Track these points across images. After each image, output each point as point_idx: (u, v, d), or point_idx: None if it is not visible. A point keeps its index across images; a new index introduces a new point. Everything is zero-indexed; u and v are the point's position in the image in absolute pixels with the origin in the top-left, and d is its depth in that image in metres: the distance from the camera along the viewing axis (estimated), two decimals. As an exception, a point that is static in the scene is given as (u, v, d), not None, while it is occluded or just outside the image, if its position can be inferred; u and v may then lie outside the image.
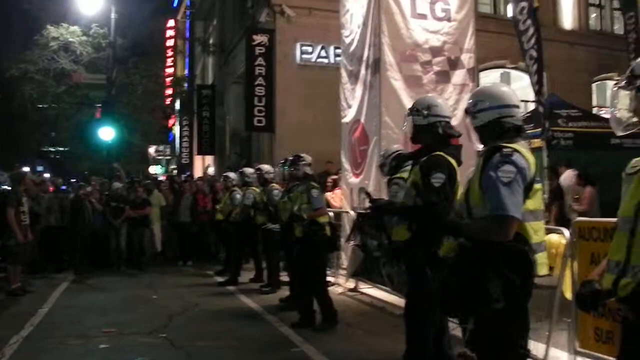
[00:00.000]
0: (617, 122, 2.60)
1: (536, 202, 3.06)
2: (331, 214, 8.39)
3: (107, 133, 22.02)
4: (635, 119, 2.49)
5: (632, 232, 2.32)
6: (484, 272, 2.87)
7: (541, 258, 3.04)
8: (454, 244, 3.10)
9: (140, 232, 13.49)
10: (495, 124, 3.20)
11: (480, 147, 3.36)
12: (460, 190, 3.31)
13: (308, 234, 7.06)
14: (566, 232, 5.07)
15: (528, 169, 3.00)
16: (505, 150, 3.00)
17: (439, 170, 4.13)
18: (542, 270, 3.05)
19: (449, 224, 3.04)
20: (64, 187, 15.81)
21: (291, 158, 7.77)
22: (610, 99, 2.66)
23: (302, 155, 7.52)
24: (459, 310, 3.07)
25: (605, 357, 4.64)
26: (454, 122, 4.72)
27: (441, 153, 4.27)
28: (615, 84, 2.60)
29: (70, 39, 27.07)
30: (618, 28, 21.06)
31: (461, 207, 3.13)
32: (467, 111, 3.33)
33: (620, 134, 2.63)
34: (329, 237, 7.18)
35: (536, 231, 3.04)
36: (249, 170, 10.98)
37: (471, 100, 3.34)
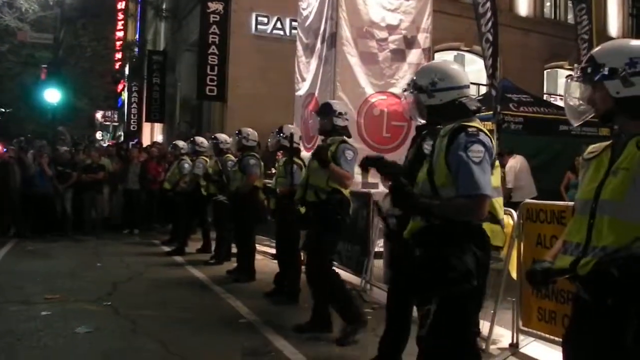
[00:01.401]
0: (573, 112, 2.64)
1: (497, 179, 3.12)
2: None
3: (52, 95, 21.41)
4: (589, 108, 2.54)
5: (592, 215, 2.37)
6: (460, 250, 2.92)
7: (501, 232, 3.14)
8: (420, 223, 3.10)
9: (91, 197, 13.20)
10: (452, 104, 3.22)
11: (421, 122, 3.44)
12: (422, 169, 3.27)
13: (280, 207, 6.96)
14: (514, 214, 5.17)
15: (492, 147, 3.06)
16: (470, 130, 3.03)
17: (432, 138, 4.02)
18: (499, 240, 3.13)
19: (421, 204, 3.02)
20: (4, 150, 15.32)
21: (276, 129, 7.51)
22: (565, 89, 2.68)
23: (285, 126, 7.37)
24: (428, 290, 3.05)
25: (547, 335, 4.77)
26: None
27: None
28: (568, 75, 2.63)
29: (16, -5, 26.05)
30: (571, 18, 21.48)
31: (424, 186, 3.12)
32: (419, 88, 3.28)
33: (576, 124, 2.68)
34: (304, 213, 6.55)
35: (500, 206, 3.13)
36: (200, 139, 10.83)
37: (426, 78, 3.28)
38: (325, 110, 5.78)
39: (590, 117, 2.59)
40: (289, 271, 7.08)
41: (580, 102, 2.58)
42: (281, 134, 7.25)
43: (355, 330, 5.41)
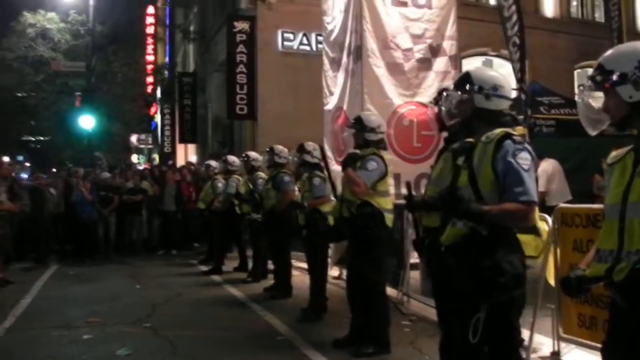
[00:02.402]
0: (589, 121, 2.61)
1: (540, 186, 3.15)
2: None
3: (87, 121, 21.86)
4: (605, 116, 2.51)
5: (622, 219, 2.34)
6: (509, 255, 2.94)
7: (534, 241, 3.17)
8: (462, 230, 3.08)
9: (131, 220, 13.44)
10: (501, 113, 3.26)
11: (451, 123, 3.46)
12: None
13: (310, 222, 6.98)
14: (549, 219, 5.10)
15: (534, 156, 3.10)
16: (516, 138, 3.06)
17: None
18: (531, 250, 3.16)
19: (473, 209, 2.98)
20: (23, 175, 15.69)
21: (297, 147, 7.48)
22: (578, 99, 2.66)
23: (306, 143, 7.34)
24: (480, 297, 3.00)
25: (589, 342, 4.68)
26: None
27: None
28: (580, 85, 2.60)
29: (48, 26, 26.79)
30: (599, 16, 21.20)
31: (465, 192, 3.07)
32: (479, 89, 3.26)
33: (594, 133, 2.64)
34: (332, 226, 6.60)
35: (537, 215, 3.16)
36: (232, 158, 10.93)
37: (489, 81, 3.29)
38: (358, 125, 5.76)
39: (607, 125, 2.55)
40: (314, 285, 7.07)
41: (595, 110, 2.55)
42: (303, 151, 7.24)
43: (376, 353, 5.34)
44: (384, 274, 5.82)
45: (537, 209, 3.12)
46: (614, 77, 2.36)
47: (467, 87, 3.29)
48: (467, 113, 3.31)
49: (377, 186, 5.51)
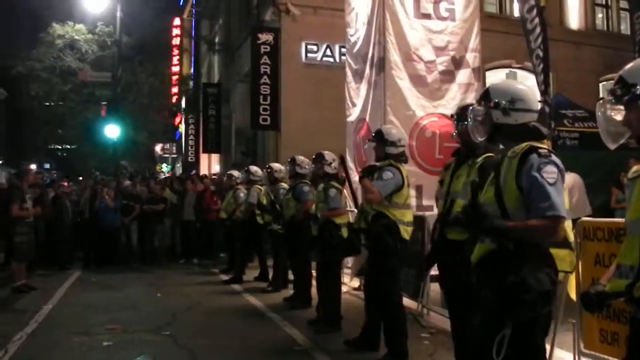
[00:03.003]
0: (609, 134, 2.57)
1: (567, 200, 3.04)
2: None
3: (112, 131, 22.10)
4: (625, 130, 2.46)
5: None
6: (536, 271, 2.85)
7: (569, 255, 3.06)
8: (489, 246, 3.04)
9: (152, 229, 13.56)
10: (526, 126, 3.17)
11: (479, 139, 3.36)
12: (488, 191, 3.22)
13: (323, 233, 6.96)
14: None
15: (563, 169, 3.01)
16: (541, 151, 2.98)
17: None
18: (566, 265, 3.06)
19: (497, 225, 2.96)
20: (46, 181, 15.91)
21: (314, 156, 7.49)
22: (597, 112, 2.60)
23: (325, 153, 7.31)
24: (506, 315, 2.93)
25: (610, 358, 4.61)
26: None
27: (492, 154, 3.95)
28: (601, 98, 2.56)
29: (76, 37, 27.22)
30: (624, 28, 20.97)
31: (491, 208, 3.05)
32: (496, 105, 3.20)
33: (613, 147, 2.59)
34: (346, 238, 6.67)
35: (570, 229, 3.10)
36: (254, 169, 10.98)
37: (505, 95, 3.22)
38: (378, 139, 5.81)
39: (627, 139, 2.51)
40: (326, 297, 7.04)
41: (615, 124, 2.51)
42: (324, 161, 7.21)
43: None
44: (398, 285, 5.84)
45: (569, 223, 3.06)
46: (636, 91, 2.33)
47: (486, 102, 3.24)
48: (487, 129, 3.26)
49: (393, 197, 5.54)
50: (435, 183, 8.66)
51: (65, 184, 14.06)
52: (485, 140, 3.36)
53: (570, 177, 10.58)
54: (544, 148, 3.03)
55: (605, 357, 4.69)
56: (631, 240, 2.40)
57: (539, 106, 3.30)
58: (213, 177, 17.52)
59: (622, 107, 2.44)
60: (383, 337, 5.65)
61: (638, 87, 2.32)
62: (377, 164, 5.78)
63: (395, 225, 5.53)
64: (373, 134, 6.04)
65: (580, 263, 4.94)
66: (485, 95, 3.28)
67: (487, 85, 3.65)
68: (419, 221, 7.68)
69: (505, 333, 2.91)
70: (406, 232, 5.64)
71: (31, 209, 9.92)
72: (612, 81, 2.47)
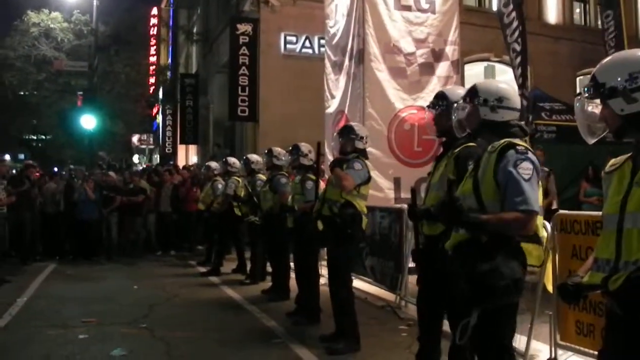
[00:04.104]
0: (587, 129, 2.59)
1: (540, 197, 3.17)
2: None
3: (88, 121, 21.83)
4: (603, 124, 2.49)
5: (619, 229, 2.31)
6: (508, 260, 2.98)
7: (537, 250, 3.14)
8: (464, 235, 3.14)
9: (131, 221, 13.44)
10: (508, 124, 3.29)
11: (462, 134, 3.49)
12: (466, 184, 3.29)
13: (299, 225, 6.95)
14: (547, 225, 5.07)
15: (539, 166, 3.13)
16: (519, 147, 3.08)
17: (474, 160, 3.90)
18: (534, 260, 3.14)
19: (472, 218, 3.03)
20: None
21: (290, 148, 7.48)
22: (575, 108, 2.63)
23: (300, 144, 7.28)
24: (471, 303, 3.04)
25: (586, 350, 4.65)
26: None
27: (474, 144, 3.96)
28: (579, 93, 2.58)
29: (52, 25, 26.84)
30: (602, 23, 21.18)
31: (468, 200, 3.13)
32: (484, 101, 3.29)
33: (591, 142, 2.62)
34: (321, 231, 6.46)
35: (542, 224, 3.19)
36: (232, 160, 10.90)
37: (493, 93, 3.32)
38: (347, 133, 5.93)
39: (605, 134, 2.53)
40: (307, 290, 7.03)
41: (591, 119, 2.54)
42: (299, 152, 7.18)
43: (347, 349, 5.55)
44: (350, 272, 6.05)
45: (540, 219, 3.14)
46: (605, 91, 2.35)
47: (474, 99, 3.33)
48: (475, 125, 3.36)
49: (360, 189, 5.71)
50: (413, 175, 8.78)
51: (37, 174, 13.73)
52: (469, 134, 3.49)
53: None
54: (522, 145, 3.12)
55: (581, 348, 4.73)
56: (607, 234, 2.41)
57: (519, 106, 3.41)
58: (191, 167, 17.41)
59: (599, 102, 2.45)
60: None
61: (606, 86, 2.34)
62: (344, 157, 5.87)
63: (360, 216, 5.70)
64: (341, 129, 6.17)
65: (557, 255, 4.99)
66: (473, 93, 3.36)
67: (468, 79, 3.72)
68: (397, 213, 7.71)
69: (470, 320, 3.00)
70: (365, 223, 5.87)
71: (4, 199, 9.76)
72: (588, 75, 2.48)
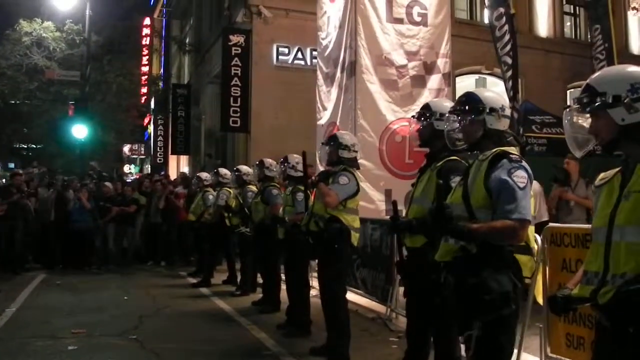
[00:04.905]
0: (575, 142, 2.61)
1: (533, 207, 3.16)
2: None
3: (80, 131, 21.73)
4: (591, 137, 2.51)
5: (608, 242, 2.33)
6: (496, 273, 2.95)
7: (529, 261, 3.12)
8: (454, 247, 3.11)
9: (123, 231, 13.41)
10: (501, 133, 3.29)
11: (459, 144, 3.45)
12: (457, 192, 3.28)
13: (290, 237, 6.92)
14: (538, 238, 5.09)
15: (532, 175, 3.11)
16: (513, 156, 3.09)
17: (457, 173, 3.77)
18: (526, 271, 3.11)
19: (462, 227, 3.01)
20: None
21: (281, 160, 7.49)
22: (564, 120, 2.64)
23: (288, 156, 7.31)
24: (469, 315, 3.03)
25: (576, 362, 4.67)
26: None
27: (457, 157, 4.03)
28: (566, 107, 2.61)
29: (44, 35, 26.73)
30: (590, 37, 21.34)
31: (457, 209, 3.10)
32: (491, 111, 3.27)
33: (579, 155, 2.64)
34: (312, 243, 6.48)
35: (533, 235, 3.17)
36: (223, 171, 10.89)
37: (497, 103, 3.32)
38: (332, 142, 5.89)
39: (593, 146, 2.55)
40: (298, 301, 7.02)
41: (581, 132, 2.55)
42: (287, 164, 7.21)
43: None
44: (344, 288, 5.95)
45: (532, 229, 3.12)
46: (608, 99, 2.36)
47: (479, 108, 3.28)
48: (478, 134, 3.30)
49: (347, 203, 5.62)
50: (405, 187, 8.78)
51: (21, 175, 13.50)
52: (470, 145, 3.41)
53: (534, 184, 10.68)
54: (515, 154, 3.12)
55: (571, 361, 4.75)
56: (596, 247, 2.43)
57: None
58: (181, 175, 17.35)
59: (588, 116, 2.47)
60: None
61: (609, 95, 2.35)
62: (332, 169, 5.82)
63: (348, 231, 5.61)
64: (327, 138, 6.14)
65: (547, 268, 5.00)
66: (477, 102, 3.31)
67: (459, 92, 3.73)
68: (388, 225, 7.70)
69: (472, 333, 2.98)
70: (355, 238, 5.74)
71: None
72: (579, 88, 2.50)
